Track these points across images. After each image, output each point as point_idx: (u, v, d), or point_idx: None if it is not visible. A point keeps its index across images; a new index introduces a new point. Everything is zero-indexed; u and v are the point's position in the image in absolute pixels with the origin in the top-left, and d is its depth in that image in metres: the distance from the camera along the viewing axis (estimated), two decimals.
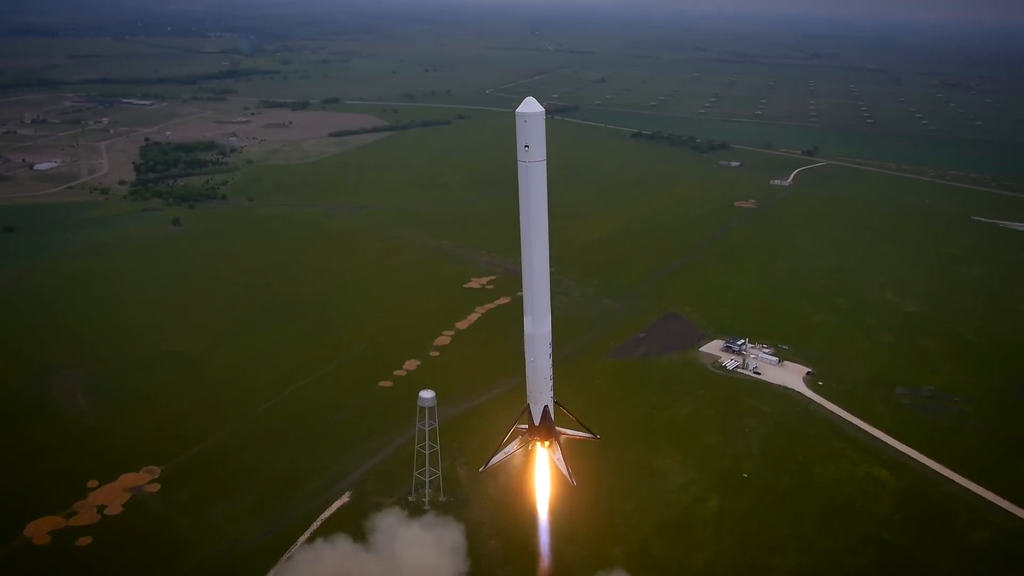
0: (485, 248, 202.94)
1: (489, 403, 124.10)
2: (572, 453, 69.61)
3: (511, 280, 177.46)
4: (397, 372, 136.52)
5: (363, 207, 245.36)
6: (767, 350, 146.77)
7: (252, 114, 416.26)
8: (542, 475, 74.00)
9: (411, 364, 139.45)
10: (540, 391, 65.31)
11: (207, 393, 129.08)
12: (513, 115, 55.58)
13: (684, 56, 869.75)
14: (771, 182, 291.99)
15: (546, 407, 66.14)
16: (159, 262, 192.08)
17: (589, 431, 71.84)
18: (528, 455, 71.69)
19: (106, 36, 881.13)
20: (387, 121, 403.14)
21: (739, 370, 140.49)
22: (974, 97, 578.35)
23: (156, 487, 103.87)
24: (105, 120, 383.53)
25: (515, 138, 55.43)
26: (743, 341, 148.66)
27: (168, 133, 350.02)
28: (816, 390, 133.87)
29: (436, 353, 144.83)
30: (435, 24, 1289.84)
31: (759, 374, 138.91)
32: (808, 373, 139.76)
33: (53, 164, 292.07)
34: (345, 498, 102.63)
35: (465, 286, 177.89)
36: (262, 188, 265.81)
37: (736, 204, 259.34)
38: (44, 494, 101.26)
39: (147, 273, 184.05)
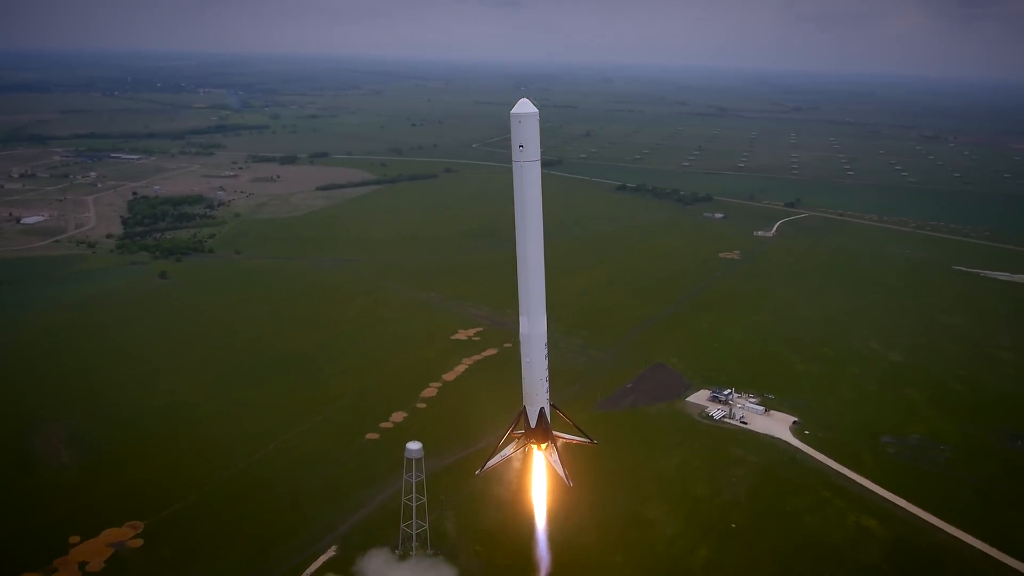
0: (472, 300, 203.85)
1: (477, 455, 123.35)
2: (569, 459, 69.39)
3: (498, 332, 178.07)
4: (384, 424, 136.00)
5: (351, 260, 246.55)
6: (753, 400, 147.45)
7: (240, 168, 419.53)
8: (539, 480, 73.26)
9: (398, 416, 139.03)
10: (536, 393, 64.93)
11: (193, 446, 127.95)
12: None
13: (666, 110, 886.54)
14: (755, 233, 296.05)
15: (542, 409, 65.78)
16: (146, 315, 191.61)
17: (586, 435, 71.56)
18: (525, 458, 71.08)
19: (96, 92, 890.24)
20: (375, 175, 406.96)
21: (726, 420, 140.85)
22: (952, 149, 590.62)
23: (139, 543, 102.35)
24: (93, 174, 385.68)
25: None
26: (730, 391, 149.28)
27: (156, 187, 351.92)
28: (802, 439, 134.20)
29: (423, 405, 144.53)
30: (422, 80, 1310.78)
31: (746, 423, 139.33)
32: (794, 422, 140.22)
33: (40, 218, 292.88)
34: (331, 552, 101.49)
35: (452, 338, 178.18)
36: (250, 241, 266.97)
37: (721, 255, 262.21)
38: (24, 551, 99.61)
39: (133, 326, 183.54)
